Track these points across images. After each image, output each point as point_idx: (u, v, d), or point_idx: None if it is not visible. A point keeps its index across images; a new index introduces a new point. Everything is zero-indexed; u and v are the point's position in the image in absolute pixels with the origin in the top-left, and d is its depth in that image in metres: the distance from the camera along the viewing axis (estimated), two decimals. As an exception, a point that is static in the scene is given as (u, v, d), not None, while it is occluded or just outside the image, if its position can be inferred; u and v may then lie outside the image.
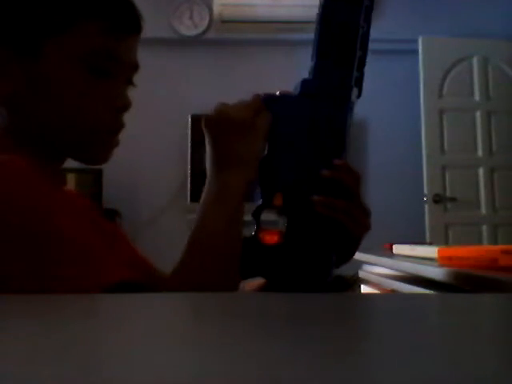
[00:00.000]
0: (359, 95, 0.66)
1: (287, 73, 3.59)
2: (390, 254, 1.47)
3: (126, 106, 0.67)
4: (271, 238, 0.64)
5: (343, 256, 0.68)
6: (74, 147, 0.66)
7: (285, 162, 0.65)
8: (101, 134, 0.65)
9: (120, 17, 0.64)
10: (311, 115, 0.65)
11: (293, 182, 0.65)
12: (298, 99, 0.66)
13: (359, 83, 0.66)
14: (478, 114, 3.33)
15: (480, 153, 3.32)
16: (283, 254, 0.63)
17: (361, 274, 2.01)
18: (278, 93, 0.67)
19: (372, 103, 3.52)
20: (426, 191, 3.23)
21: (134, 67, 0.69)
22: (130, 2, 0.67)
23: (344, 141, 0.65)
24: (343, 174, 0.64)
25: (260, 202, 0.65)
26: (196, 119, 3.21)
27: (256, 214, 0.65)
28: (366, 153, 3.50)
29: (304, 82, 0.66)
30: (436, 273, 0.99)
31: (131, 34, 0.66)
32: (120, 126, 0.67)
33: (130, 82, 0.69)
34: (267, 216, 0.65)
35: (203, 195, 0.65)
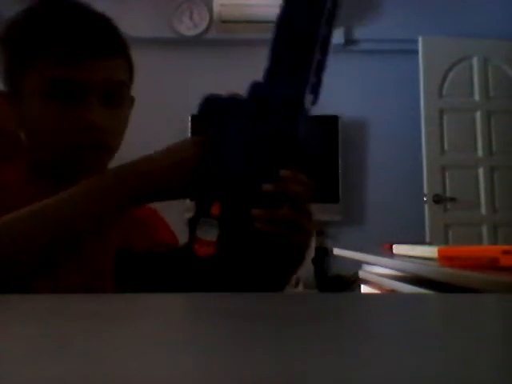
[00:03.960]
0: (315, 102, 0.61)
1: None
2: (390, 253, 1.47)
3: (90, 126, 0.68)
4: (207, 250, 0.58)
5: (291, 264, 0.64)
6: (54, 166, 0.71)
7: (225, 169, 0.60)
8: (66, 153, 0.69)
9: (78, 46, 0.67)
10: (257, 121, 0.60)
11: (232, 192, 0.59)
12: (245, 102, 0.60)
13: (316, 89, 0.60)
14: (477, 114, 3.33)
15: (480, 153, 3.32)
16: (216, 267, 0.58)
17: (361, 274, 2.01)
18: (224, 94, 0.63)
19: (372, 103, 3.53)
20: (425, 191, 3.23)
21: (108, 84, 0.69)
22: (94, 27, 0.69)
23: (293, 150, 0.60)
24: (289, 184, 0.59)
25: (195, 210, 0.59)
26: (196, 119, 3.22)
27: (191, 223, 0.59)
28: (366, 153, 3.50)
29: (254, 85, 0.61)
30: (436, 273, 0.99)
31: (96, 58, 0.67)
32: (87, 144, 0.68)
33: (108, 99, 0.69)
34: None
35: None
